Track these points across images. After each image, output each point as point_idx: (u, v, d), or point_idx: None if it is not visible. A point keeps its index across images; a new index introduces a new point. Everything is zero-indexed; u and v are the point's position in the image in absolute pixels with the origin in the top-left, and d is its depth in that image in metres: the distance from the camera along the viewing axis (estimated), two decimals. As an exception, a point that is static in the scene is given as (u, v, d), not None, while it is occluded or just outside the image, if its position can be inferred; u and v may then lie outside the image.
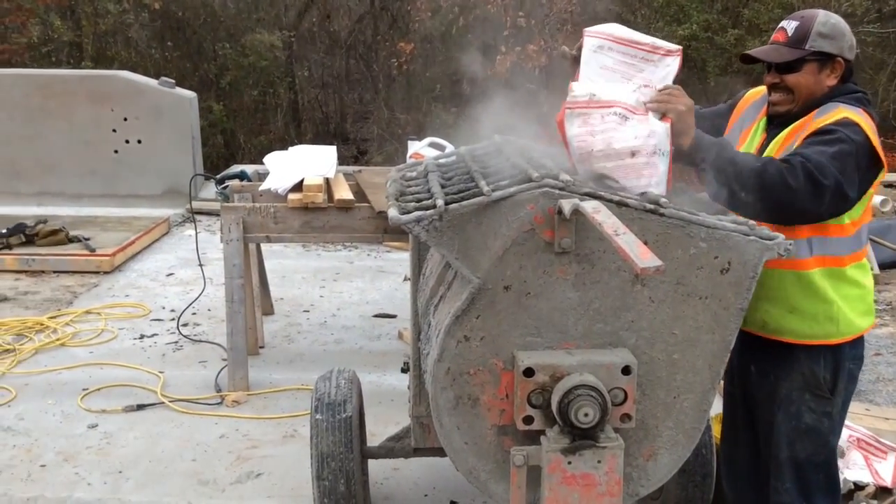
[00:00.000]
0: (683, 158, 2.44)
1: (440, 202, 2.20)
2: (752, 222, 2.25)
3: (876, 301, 6.76)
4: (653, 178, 2.36)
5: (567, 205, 2.12)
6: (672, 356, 2.28)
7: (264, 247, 5.57)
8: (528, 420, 2.21)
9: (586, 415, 2.08)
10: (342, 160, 7.26)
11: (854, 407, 4.55)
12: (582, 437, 2.12)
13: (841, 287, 2.53)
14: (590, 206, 2.03)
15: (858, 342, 2.63)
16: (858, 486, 3.61)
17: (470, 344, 2.27)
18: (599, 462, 2.10)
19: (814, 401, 2.59)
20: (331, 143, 6.34)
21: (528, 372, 2.19)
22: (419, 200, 2.36)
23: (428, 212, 2.20)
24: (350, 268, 7.03)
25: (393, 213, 2.25)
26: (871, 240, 7.51)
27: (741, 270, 2.23)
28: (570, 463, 2.11)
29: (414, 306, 3.05)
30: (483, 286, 2.23)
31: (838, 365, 2.58)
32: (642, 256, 1.68)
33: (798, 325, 2.55)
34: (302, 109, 15.74)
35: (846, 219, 2.48)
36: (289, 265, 6.93)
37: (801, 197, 2.32)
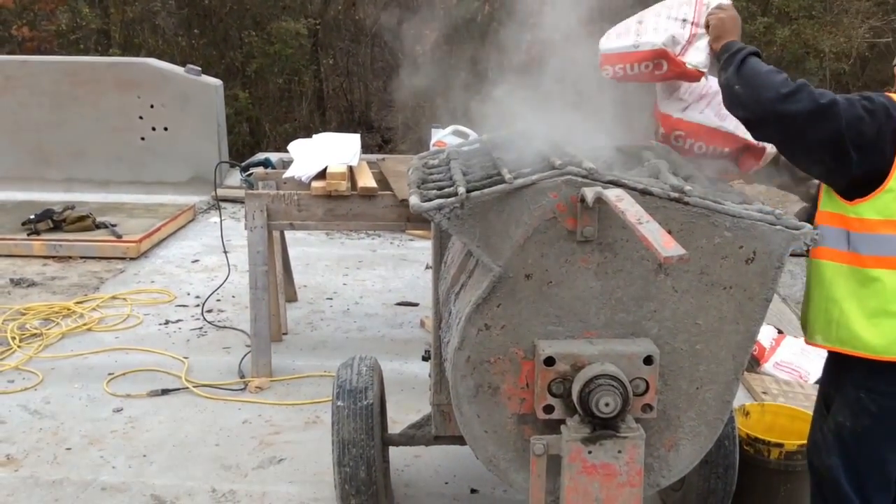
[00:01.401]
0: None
1: (462, 190, 2.19)
2: (778, 211, 2.22)
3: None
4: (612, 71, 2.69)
5: (590, 193, 2.10)
6: (695, 346, 2.26)
7: (288, 234, 5.59)
8: (549, 409, 2.20)
9: (607, 404, 2.07)
10: (367, 149, 7.25)
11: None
12: (602, 427, 2.11)
13: (854, 288, 2.29)
14: (613, 194, 2.01)
15: (876, 371, 2.31)
16: None
17: (490, 332, 2.26)
18: (620, 452, 2.09)
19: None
20: (355, 132, 6.34)
21: (549, 361, 2.18)
22: (441, 188, 2.35)
23: (449, 199, 2.19)
24: (373, 256, 7.04)
25: (414, 200, 2.25)
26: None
27: (766, 260, 2.21)
28: (590, 452, 2.10)
29: (435, 294, 3.05)
30: (504, 274, 2.22)
31: (840, 384, 2.41)
32: (666, 245, 1.66)
33: (807, 319, 2.46)
34: (327, 98, 15.76)
35: (870, 213, 2.25)
36: (312, 253, 6.95)
37: (778, 93, 2.23)
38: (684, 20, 2.61)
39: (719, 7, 2.58)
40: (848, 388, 2.38)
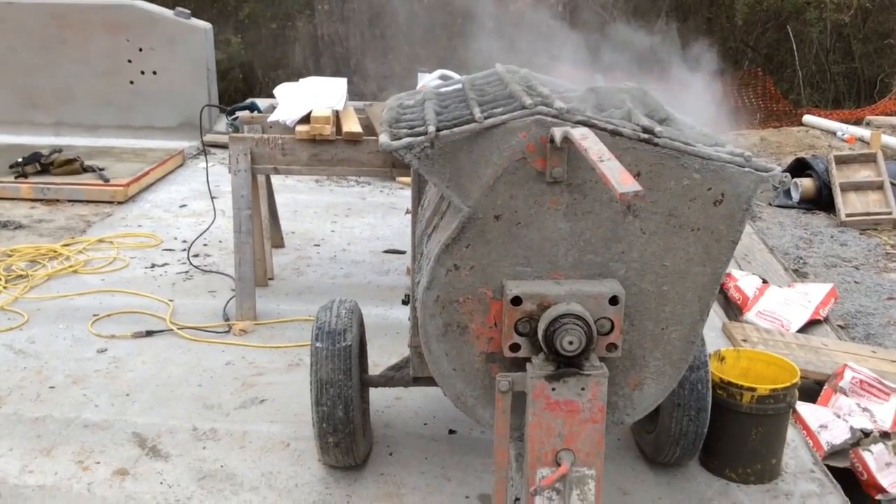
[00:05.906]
0: None
1: (431, 129, 2.18)
2: (748, 153, 2.21)
3: (893, 245, 6.69)
4: None
5: (558, 132, 2.09)
6: (662, 288, 2.28)
7: (277, 181, 5.57)
8: (515, 347, 2.22)
9: (571, 343, 2.09)
10: (362, 96, 7.16)
11: (861, 349, 4.55)
12: (567, 365, 2.13)
13: None
14: (578, 132, 2.00)
15: None
16: (865, 433, 3.61)
17: (459, 273, 2.27)
18: (583, 389, 2.12)
19: None
20: (351, 79, 6.26)
21: (516, 300, 2.19)
22: (412, 127, 2.34)
23: (419, 138, 2.18)
24: (362, 204, 7.03)
25: (384, 139, 2.24)
26: (892, 183, 7.40)
27: (734, 202, 2.21)
28: (554, 389, 2.13)
29: (413, 238, 3.05)
30: (473, 215, 2.22)
31: None
32: (623, 182, 1.66)
33: None
34: (322, 44, 15.59)
35: None
36: (301, 200, 6.94)
37: None
38: None
39: None
40: None
